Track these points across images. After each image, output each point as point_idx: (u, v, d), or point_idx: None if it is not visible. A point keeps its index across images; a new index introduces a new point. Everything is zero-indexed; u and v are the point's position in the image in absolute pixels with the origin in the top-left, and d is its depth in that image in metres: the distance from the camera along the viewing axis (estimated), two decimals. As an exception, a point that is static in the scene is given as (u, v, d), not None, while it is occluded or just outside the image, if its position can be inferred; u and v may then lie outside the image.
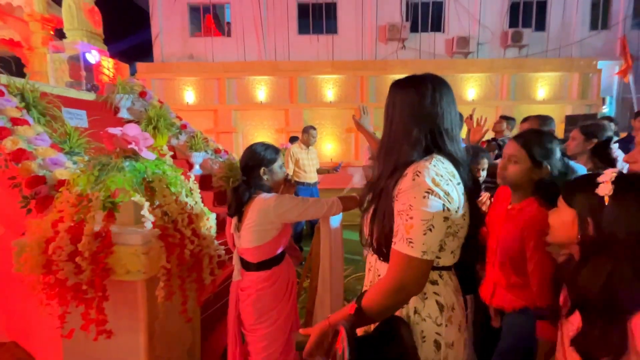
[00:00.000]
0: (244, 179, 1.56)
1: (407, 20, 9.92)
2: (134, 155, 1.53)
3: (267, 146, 1.59)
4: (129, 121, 4.09)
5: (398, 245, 0.82)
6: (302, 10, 9.99)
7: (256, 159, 1.53)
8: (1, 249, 2.06)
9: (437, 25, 10.17)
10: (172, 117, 4.37)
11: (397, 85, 0.94)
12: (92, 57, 4.14)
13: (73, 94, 3.85)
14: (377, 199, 0.93)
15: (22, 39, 7.20)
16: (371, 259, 1.03)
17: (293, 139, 5.60)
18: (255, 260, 1.51)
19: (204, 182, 4.15)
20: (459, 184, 0.87)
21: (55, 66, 4.27)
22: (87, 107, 3.59)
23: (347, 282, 3.20)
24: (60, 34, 6.59)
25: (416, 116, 0.88)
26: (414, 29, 9.98)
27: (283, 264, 1.57)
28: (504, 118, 3.07)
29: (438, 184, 0.81)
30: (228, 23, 10.25)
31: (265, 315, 1.50)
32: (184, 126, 4.40)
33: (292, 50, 9.90)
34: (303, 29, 10.05)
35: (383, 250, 0.93)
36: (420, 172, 0.82)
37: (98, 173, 1.41)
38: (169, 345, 1.71)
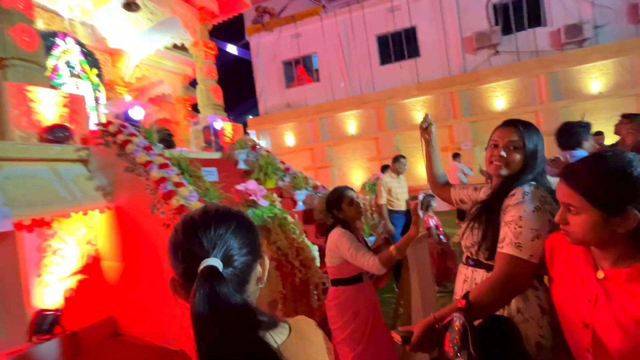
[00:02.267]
0: (331, 216, 1.97)
1: (496, 24, 9.26)
2: (254, 204, 1.99)
3: (333, 192, 1.95)
4: (246, 171, 5.00)
5: (506, 248, 0.96)
6: (382, 42, 10.43)
7: (328, 204, 1.95)
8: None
9: (535, 19, 9.15)
10: (278, 163, 5.12)
11: (524, 127, 1.12)
12: (218, 124, 5.30)
13: (207, 155, 4.96)
14: (485, 213, 1.11)
15: (171, 116, 9.60)
16: (466, 271, 1.18)
17: (384, 168, 5.76)
18: (331, 277, 1.85)
19: (307, 216, 4.64)
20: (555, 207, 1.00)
21: (195, 135, 5.60)
22: (217, 164, 4.57)
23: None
24: (195, 108, 8.55)
25: (538, 156, 1.10)
26: (506, 31, 9.21)
27: (352, 287, 1.79)
28: (628, 117, 2.56)
29: (544, 202, 0.99)
30: (316, 70, 11.43)
31: (335, 324, 1.80)
32: (287, 169, 5.09)
33: (376, 82, 10.31)
34: (385, 59, 10.42)
35: (481, 260, 1.09)
36: (528, 193, 1.01)
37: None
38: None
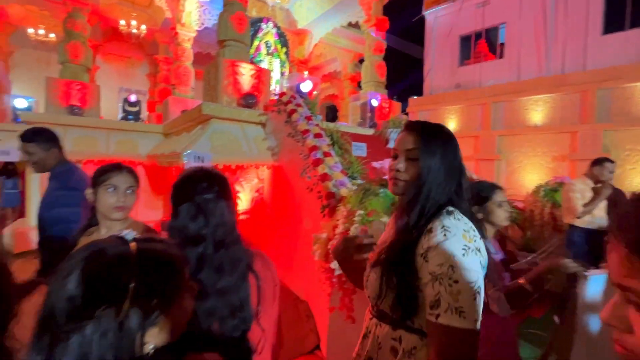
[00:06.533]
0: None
1: None
2: (386, 184, 1.89)
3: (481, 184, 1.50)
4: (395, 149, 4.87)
5: (445, 317, 0.69)
6: (612, 3, 7.63)
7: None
8: (308, 236, 3.14)
9: None
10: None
11: (435, 132, 0.87)
12: (375, 101, 5.32)
13: (360, 130, 5.10)
14: (393, 256, 0.81)
15: (338, 92, 10.36)
16: (370, 324, 0.90)
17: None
18: None
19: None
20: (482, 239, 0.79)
21: (353, 111, 5.84)
22: (367, 140, 4.63)
23: None
24: (360, 85, 8.92)
25: (453, 169, 0.84)
26: None
27: None
28: None
29: (471, 239, 0.74)
30: (501, 44, 9.63)
31: None
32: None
33: (590, 58, 7.78)
34: (610, 26, 7.63)
35: (386, 312, 0.83)
36: (449, 228, 0.74)
37: (362, 196, 1.86)
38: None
